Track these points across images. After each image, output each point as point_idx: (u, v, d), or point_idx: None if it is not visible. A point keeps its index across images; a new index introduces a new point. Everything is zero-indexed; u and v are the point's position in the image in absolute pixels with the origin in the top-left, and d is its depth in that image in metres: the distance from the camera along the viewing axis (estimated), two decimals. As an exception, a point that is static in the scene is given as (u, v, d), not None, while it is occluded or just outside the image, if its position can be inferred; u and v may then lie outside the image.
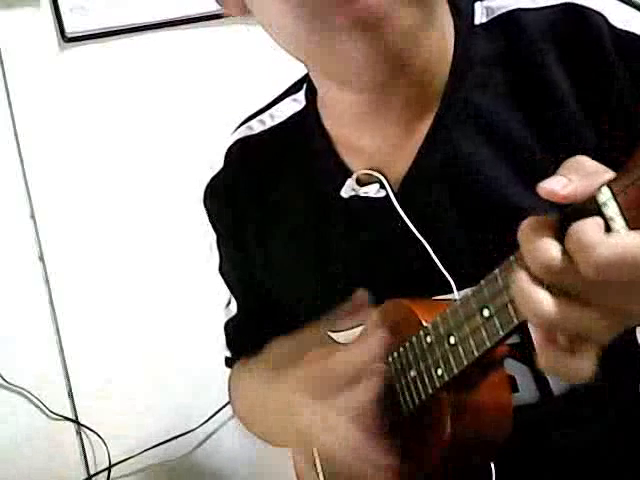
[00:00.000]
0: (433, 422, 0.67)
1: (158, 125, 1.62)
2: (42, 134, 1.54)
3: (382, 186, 0.74)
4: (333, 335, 0.83)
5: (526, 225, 0.49)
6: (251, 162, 0.86)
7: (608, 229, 0.46)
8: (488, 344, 0.58)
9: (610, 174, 0.48)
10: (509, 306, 0.55)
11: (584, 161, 0.50)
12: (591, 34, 0.67)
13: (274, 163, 0.84)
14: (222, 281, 0.96)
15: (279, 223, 0.83)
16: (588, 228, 0.46)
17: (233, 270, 0.94)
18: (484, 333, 0.58)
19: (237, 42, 1.63)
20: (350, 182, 0.76)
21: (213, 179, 0.90)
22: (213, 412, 1.63)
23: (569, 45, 0.68)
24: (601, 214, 0.47)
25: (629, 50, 0.66)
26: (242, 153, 0.87)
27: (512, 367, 0.69)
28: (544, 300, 0.48)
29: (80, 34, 1.55)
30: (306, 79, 0.84)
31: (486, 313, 0.57)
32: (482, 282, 0.58)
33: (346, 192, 0.76)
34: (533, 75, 0.69)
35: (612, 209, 0.46)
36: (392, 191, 0.73)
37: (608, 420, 0.72)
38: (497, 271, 0.56)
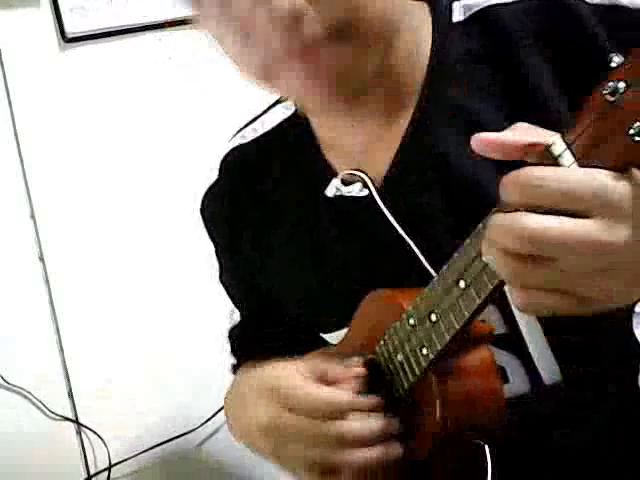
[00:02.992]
0: (424, 406, 0.68)
1: (158, 125, 1.62)
2: (42, 134, 1.54)
3: (365, 185, 0.75)
4: (325, 336, 0.83)
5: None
6: (245, 169, 0.87)
7: None
8: (466, 314, 0.59)
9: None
10: (483, 272, 0.55)
11: (530, 125, 0.51)
12: (570, 20, 0.66)
13: (267, 168, 0.85)
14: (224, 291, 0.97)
15: (275, 226, 0.84)
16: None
17: (233, 277, 0.94)
18: (462, 304, 0.59)
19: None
20: (335, 182, 0.77)
21: (209, 190, 0.91)
22: (213, 412, 1.63)
23: (548, 34, 0.68)
24: (557, 165, 0.48)
25: (613, 22, 0.65)
26: (236, 162, 0.88)
27: (501, 358, 0.70)
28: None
29: (80, 34, 1.55)
30: None
31: (462, 284, 0.58)
32: (455, 255, 0.59)
33: (330, 191, 0.77)
34: (512, 69, 0.69)
35: (567, 159, 0.48)
36: (375, 189, 0.74)
37: (608, 419, 0.72)
38: (468, 241, 0.57)
